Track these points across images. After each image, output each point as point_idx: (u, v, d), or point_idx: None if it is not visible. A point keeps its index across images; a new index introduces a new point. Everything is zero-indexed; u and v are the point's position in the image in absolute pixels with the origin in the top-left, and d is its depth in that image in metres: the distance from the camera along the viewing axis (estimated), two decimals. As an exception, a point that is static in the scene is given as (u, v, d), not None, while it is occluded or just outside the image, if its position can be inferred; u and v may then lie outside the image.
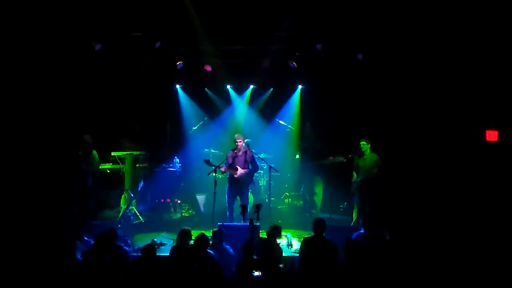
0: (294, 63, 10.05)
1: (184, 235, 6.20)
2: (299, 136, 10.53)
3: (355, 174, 8.61)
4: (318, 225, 6.16)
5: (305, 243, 6.18)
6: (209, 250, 5.93)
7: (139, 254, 6.23)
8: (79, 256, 5.78)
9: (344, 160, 8.83)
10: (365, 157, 8.46)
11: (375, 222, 6.36)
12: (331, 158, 9.46)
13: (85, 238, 6.56)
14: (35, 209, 7.72)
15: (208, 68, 10.36)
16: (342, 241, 6.21)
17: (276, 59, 10.12)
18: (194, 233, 8.19)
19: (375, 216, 6.50)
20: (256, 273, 5.35)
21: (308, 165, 9.72)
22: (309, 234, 6.57)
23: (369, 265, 5.45)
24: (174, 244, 6.75)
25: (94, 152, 8.61)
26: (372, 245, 5.97)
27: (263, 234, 6.97)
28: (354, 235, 6.28)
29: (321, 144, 9.77)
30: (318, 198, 9.65)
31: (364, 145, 8.45)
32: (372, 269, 5.43)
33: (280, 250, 6.35)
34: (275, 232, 6.37)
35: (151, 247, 5.73)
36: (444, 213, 7.22)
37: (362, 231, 6.38)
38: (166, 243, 7.46)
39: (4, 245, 6.16)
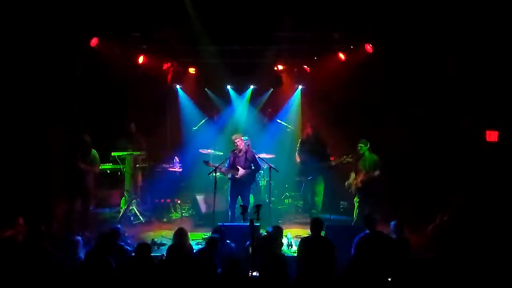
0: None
1: (181, 235, 6.20)
2: (299, 136, 10.50)
3: (353, 175, 8.61)
4: (316, 224, 6.16)
5: (303, 243, 6.18)
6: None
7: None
8: (82, 255, 5.78)
9: (350, 159, 8.82)
10: (364, 158, 8.45)
11: (377, 222, 6.34)
12: (332, 158, 9.46)
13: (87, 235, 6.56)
14: (36, 209, 7.72)
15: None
16: (343, 241, 6.24)
17: (276, 59, 10.13)
18: (194, 234, 8.32)
19: (376, 216, 6.48)
20: (255, 273, 5.36)
21: (308, 165, 9.71)
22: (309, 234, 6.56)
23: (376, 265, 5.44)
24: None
25: (94, 151, 8.60)
26: (379, 245, 5.96)
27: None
28: (358, 237, 6.24)
29: (321, 144, 9.76)
30: (319, 198, 9.64)
31: (362, 147, 8.44)
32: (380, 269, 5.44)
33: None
34: (277, 233, 6.35)
35: (145, 246, 5.67)
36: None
37: (367, 231, 6.31)
38: (166, 243, 7.44)
39: (5, 245, 6.15)
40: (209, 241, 6.09)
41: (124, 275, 5.34)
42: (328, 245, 6.01)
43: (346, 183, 8.65)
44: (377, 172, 8.28)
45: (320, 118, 10.23)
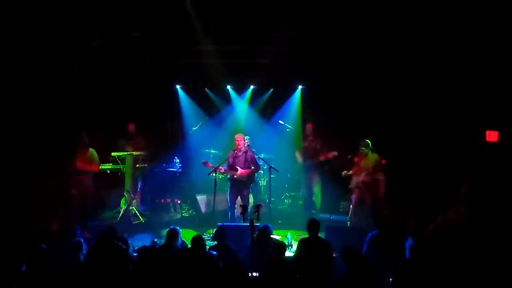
0: None
1: (172, 235, 6.19)
2: (299, 136, 10.50)
3: (352, 171, 8.62)
4: (312, 225, 6.19)
5: (300, 244, 6.21)
6: (212, 251, 5.92)
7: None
8: (82, 256, 5.78)
9: (335, 154, 8.86)
10: (367, 158, 8.45)
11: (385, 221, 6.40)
12: (330, 157, 9.45)
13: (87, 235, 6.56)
14: (35, 209, 7.72)
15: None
16: (342, 241, 6.24)
17: (276, 59, 10.13)
18: (194, 233, 8.31)
19: (387, 215, 6.55)
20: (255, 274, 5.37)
21: (308, 165, 9.71)
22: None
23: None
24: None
25: (92, 150, 8.60)
26: (390, 244, 5.98)
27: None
28: (369, 235, 6.30)
29: (317, 143, 9.76)
30: (317, 198, 9.64)
31: (364, 149, 8.44)
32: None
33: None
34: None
35: (150, 250, 5.66)
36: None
37: (377, 231, 6.38)
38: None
39: (4, 245, 6.15)
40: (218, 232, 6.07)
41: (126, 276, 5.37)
42: (325, 246, 6.04)
43: (343, 173, 8.66)
44: (381, 177, 8.28)
45: (320, 118, 10.22)
